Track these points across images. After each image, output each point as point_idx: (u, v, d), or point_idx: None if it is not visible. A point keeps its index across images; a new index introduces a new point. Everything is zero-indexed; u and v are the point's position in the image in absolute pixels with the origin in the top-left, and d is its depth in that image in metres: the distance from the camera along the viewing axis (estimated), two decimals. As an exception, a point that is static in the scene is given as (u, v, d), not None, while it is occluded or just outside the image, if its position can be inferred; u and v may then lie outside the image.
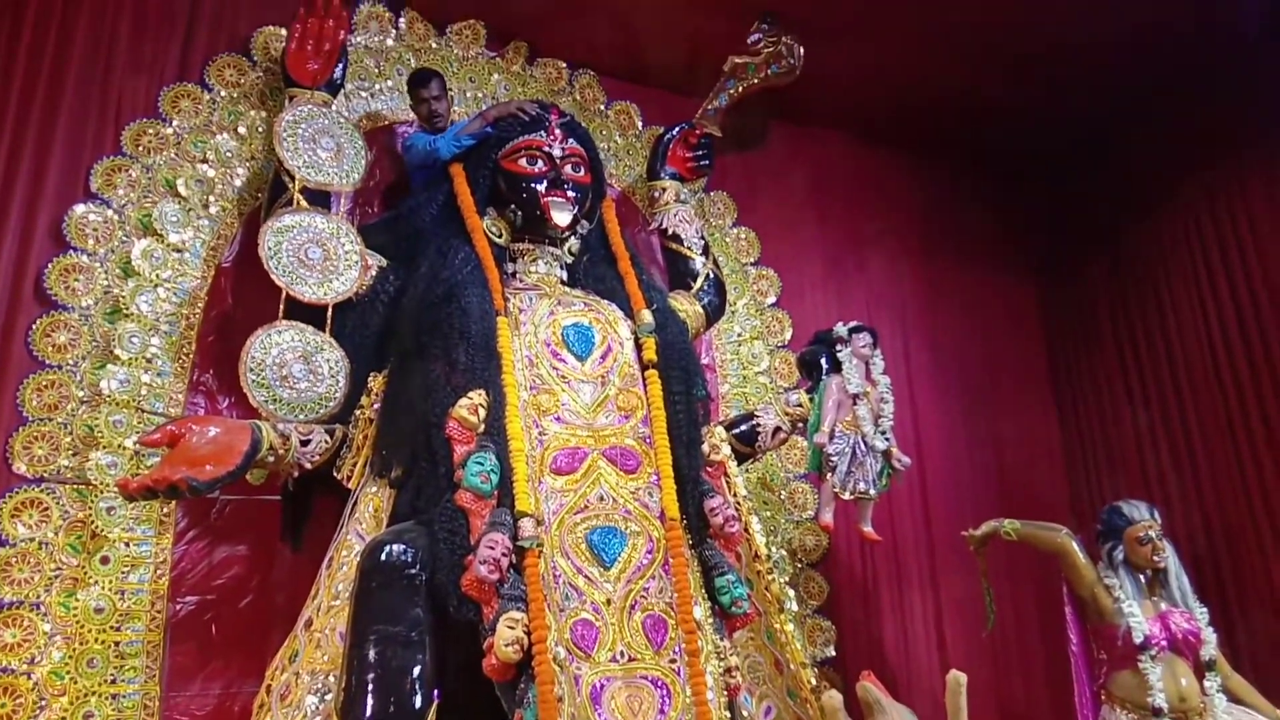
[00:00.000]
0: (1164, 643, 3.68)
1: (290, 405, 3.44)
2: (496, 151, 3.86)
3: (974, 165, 6.16)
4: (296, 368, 3.48)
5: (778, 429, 4.08)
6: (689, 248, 4.43)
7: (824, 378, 3.97)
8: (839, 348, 3.98)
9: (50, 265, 3.52)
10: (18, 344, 3.45)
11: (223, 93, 4.00)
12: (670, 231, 4.46)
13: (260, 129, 3.99)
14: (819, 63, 4.55)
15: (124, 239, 3.66)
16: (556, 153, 3.86)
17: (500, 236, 3.85)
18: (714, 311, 4.40)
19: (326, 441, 3.42)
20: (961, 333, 5.83)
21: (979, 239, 6.13)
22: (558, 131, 3.91)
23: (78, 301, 3.54)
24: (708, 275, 4.40)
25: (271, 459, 3.24)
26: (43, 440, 3.38)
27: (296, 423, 3.39)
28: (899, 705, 3.41)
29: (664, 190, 4.56)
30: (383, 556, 2.87)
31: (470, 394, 3.22)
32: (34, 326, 3.46)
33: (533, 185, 3.80)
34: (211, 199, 3.84)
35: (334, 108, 3.91)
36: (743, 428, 4.11)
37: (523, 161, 3.84)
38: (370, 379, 3.54)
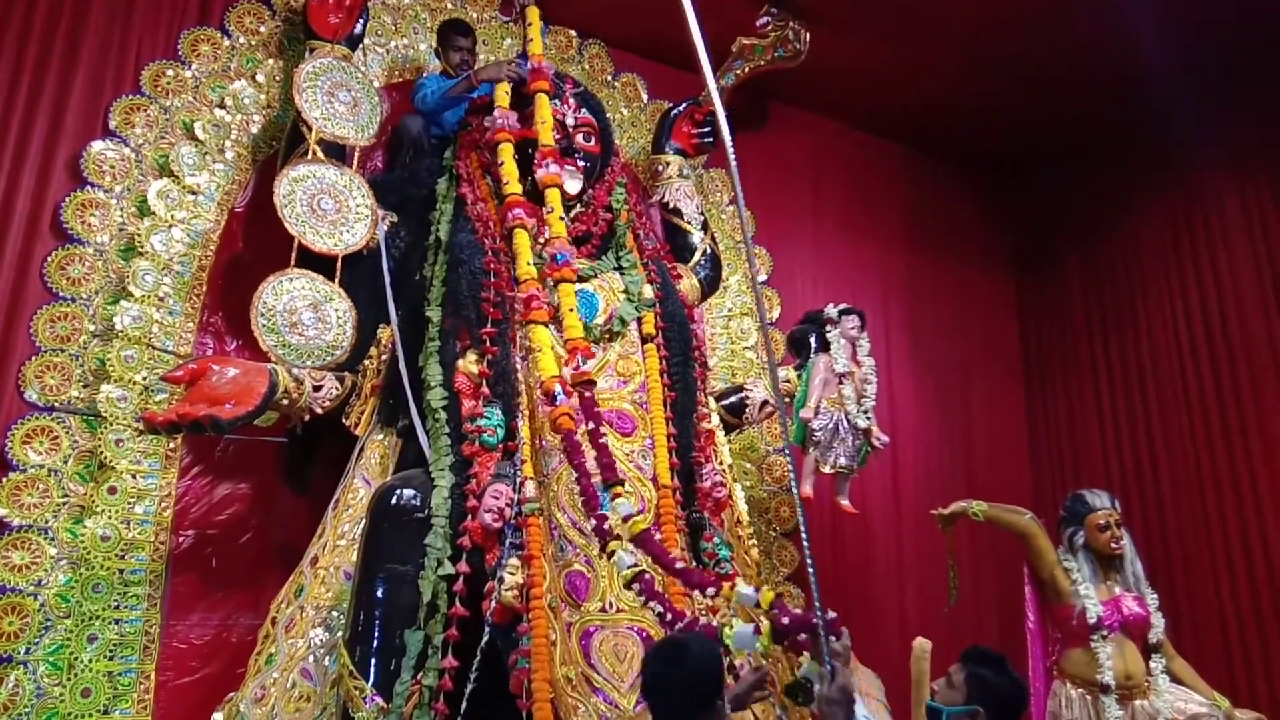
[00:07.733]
0: (1115, 624, 3.88)
1: (298, 351, 3.54)
2: (510, 117, 3.94)
3: (960, 162, 6.37)
4: (306, 315, 3.57)
5: (765, 402, 4.26)
6: (689, 223, 4.53)
7: (812, 356, 4.15)
8: (828, 328, 4.16)
9: (67, 200, 3.59)
10: (33, 276, 3.52)
11: (242, 39, 4.06)
12: (671, 205, 4.57)
13: (278, 78, 4.05)
14: (822, 51, 4.73)
15: (140, 178, 3.73)
16: (569, 121, 3.95)
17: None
18: (709, 286, 4.53)
19: (338, 388, 3.53)
20: (940, 322, 6.05)
21: (962, 233, 6.35)
22: (571, 100, 4.00)
23: (93, 237, 3.61)
24: (705, 251, 4.51)
25: (285, 402, 3.35)
26: (54, 370, 3.46)
27: (307, 368, 3.49)
28: (866, 669, 3.61)
29: (667, 164, 4.66)
30: (393, 501, 3.02)
31: (476, 351, 3.35)
32: (49, 259, 3.53)
33: (545, 152, 3.88)
34: (228, 144, 3.90)
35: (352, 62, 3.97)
36: (732, 399, 4.28)
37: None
38: (379, 330, 3.65)
